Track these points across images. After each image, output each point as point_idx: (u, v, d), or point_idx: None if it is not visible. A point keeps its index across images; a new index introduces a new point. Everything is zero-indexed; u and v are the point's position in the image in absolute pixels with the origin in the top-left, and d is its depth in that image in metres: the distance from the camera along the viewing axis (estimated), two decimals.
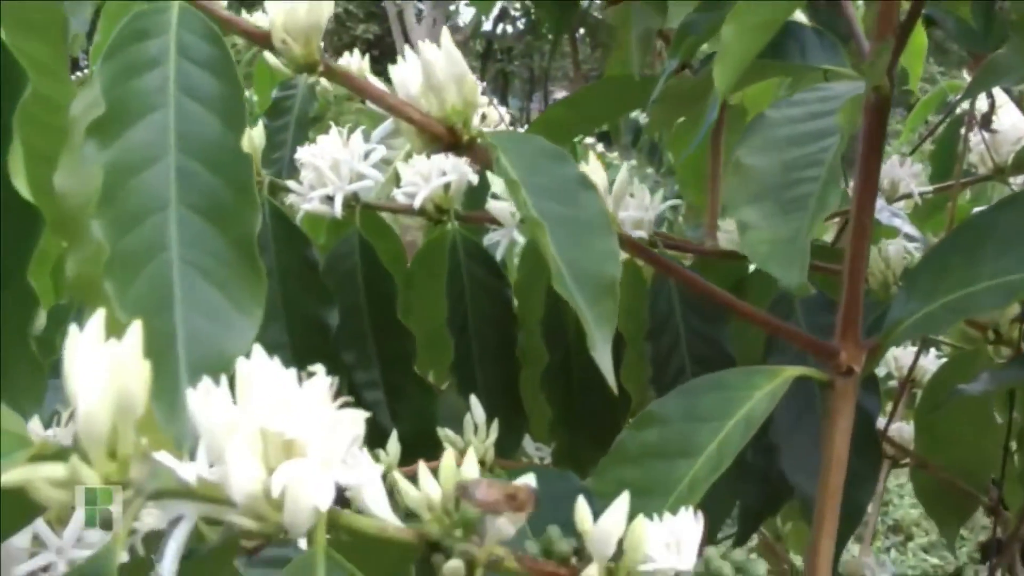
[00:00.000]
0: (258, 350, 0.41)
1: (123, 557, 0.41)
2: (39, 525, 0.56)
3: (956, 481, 1.13)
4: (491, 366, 0.92)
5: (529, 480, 0.45)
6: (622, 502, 0.47)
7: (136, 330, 0.36)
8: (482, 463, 0.82)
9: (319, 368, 0.41)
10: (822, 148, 0.68)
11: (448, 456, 0.46)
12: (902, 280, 1.01)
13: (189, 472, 0.40)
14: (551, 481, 0.52)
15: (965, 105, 1.24)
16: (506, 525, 0.43)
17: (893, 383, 1.30)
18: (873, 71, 0.68)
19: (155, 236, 0.53)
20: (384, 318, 0.91)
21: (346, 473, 0.40)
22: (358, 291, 0.91)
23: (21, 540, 0.56)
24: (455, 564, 0.43)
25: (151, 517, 0.61)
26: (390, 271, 0.92)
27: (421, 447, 0.81)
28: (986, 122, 1.01)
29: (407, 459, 0.80)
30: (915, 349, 1.24)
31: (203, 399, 0.40)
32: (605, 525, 0.47)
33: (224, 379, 0.42)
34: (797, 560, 1.38)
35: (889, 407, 1.26)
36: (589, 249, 0.59)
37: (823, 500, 0.82)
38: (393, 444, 0.81)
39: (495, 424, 0.84)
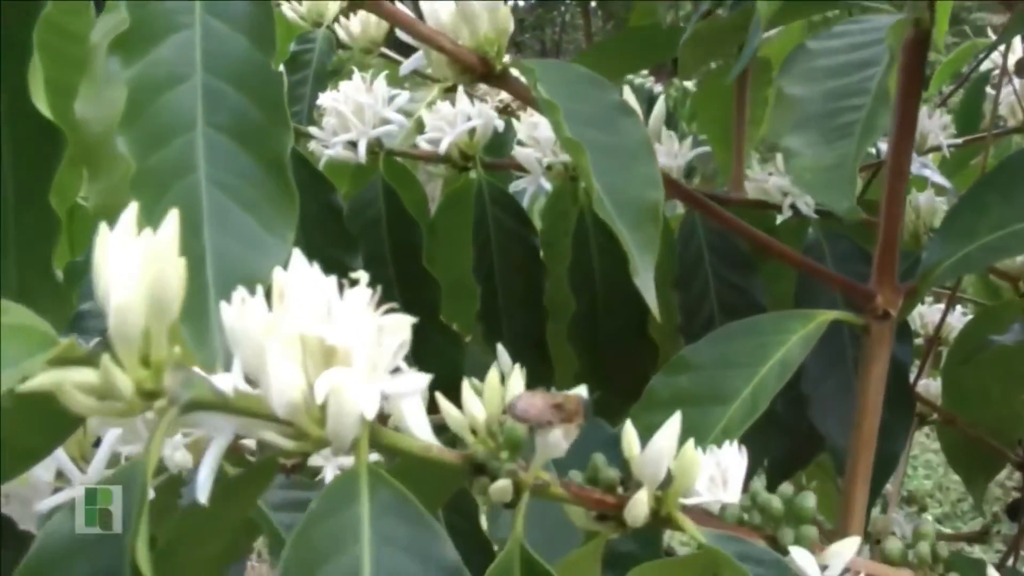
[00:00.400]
0: (298, 256, 0.39)
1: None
2: (62, 458, 0.54)
3: (983, 437, 1.10)
4: (518, 315, 0.90)
5: (580, 391, 0.42)
6: (673, 423, 0.44)
7: (173, 220, 0.34)
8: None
9: (362, 275, 0.39)
10: (865, 78, 0.65)
11: (492, 374, 0.43)
12: (933, 230, 0.98)
13: (226, 382, 0.37)
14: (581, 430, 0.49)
15: (995, 58, 1.21)
16: (559, 440, 0.40)
17: (919, 341, 1.27)
18: (914, 3, 0.66)
19: (182, 157, 0.51)
20: (409, 266, 0.88)
21: (393, 383, 0.37)
22: (382, 238, 0.89)
23: (45, 474, 0.54)
24: (503, 484, 0.41)
25: (179, 455, 0.59)
26: (416, 219, 0.89)
27: (447, 396, 0.79)
28: (1020, 68, 0.98)
29: (433, 408, 0.78)
30: (942, 306, 1.22)
31: (238, 309, 0.38)
32: (656, 446, 0.44)
33: (260, 292, 0.39)
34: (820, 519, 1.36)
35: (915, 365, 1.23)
36: (631, 175, 0.56)
37: (856, 449, 0.80)
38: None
39: (523, 373, 0.81)
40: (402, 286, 0.89)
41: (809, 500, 0.52)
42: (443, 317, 0.90)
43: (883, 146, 0.99)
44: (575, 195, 0.93)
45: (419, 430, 0.41)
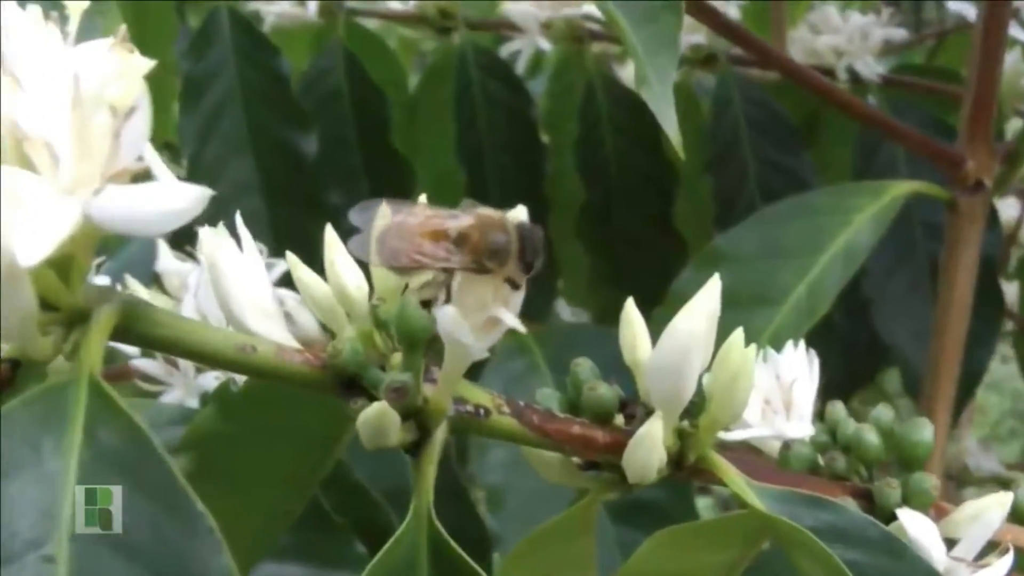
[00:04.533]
0: None
1: None
2: None
3: None
4: (512, 204, 0.69)
5: (519, 213, 0.22)
6: (710, 292, 0.24)
7: None
8: None
9: (77, 6, 0.19)
10: None
11: (381, 211, 0.23)
12: None
13: None
14: (595, 342, 0.30)
15: None
16: (471, 305, 0.20)
17: None
18: None
19: None
20: (377, 147, 0.69)
21: (112, 195, 0.17)
22: (344, 115, 0.69)
23: None
24: (376, 410, 0.20)
25: None
26: (383, 91, 0.69)
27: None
28: None
29: None
30: (1015, 201, 1.00)
31: None
32: (677, 337, 0.24)
33: None
34: None
35: None
36: None
37: (938, 362, 0.60)
38: None
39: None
40: (371, 172, 0.69)
41: (924, 431, 0.31)
42: None
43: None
44: (582, 63, 0.73)
45: (240, 309, 0.21)
